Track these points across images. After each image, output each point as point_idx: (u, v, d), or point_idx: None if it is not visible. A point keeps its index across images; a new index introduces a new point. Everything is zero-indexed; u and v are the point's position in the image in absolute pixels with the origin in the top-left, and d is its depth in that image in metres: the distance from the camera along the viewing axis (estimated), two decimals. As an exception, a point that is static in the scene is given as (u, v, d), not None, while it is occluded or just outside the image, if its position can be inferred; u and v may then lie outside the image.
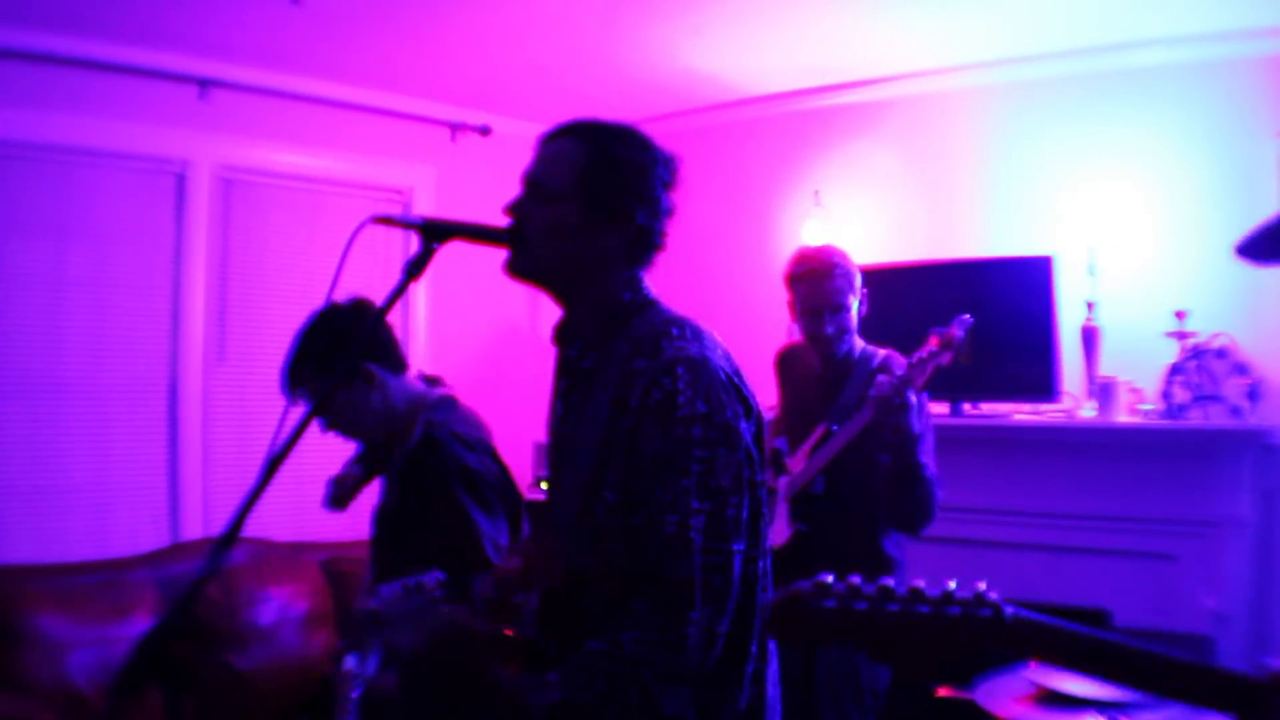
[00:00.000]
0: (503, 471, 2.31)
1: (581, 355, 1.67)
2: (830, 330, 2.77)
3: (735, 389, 1.56)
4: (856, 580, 0.94)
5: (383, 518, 2.37)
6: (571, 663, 1.47)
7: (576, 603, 1.57)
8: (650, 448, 1.49)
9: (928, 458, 2.71)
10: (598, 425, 1.56)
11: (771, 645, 1.62)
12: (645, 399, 1.51)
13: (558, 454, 1.70)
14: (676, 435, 1.48)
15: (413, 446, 2.27)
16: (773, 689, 1.62)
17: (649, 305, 1.65)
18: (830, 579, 0.95)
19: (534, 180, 1.64)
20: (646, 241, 1.65)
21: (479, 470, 2.23)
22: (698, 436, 1.49)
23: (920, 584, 0.94)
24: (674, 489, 1.47)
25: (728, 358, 1.61)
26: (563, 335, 1.73)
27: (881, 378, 2.60)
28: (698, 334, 1.59)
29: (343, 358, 2.22)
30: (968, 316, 2.66)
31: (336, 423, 2.36)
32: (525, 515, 2.38)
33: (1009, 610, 0.92)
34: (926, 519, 2.71)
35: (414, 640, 1.58)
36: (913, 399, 2.55)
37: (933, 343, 2.61)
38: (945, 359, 2.61)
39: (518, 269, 1.64)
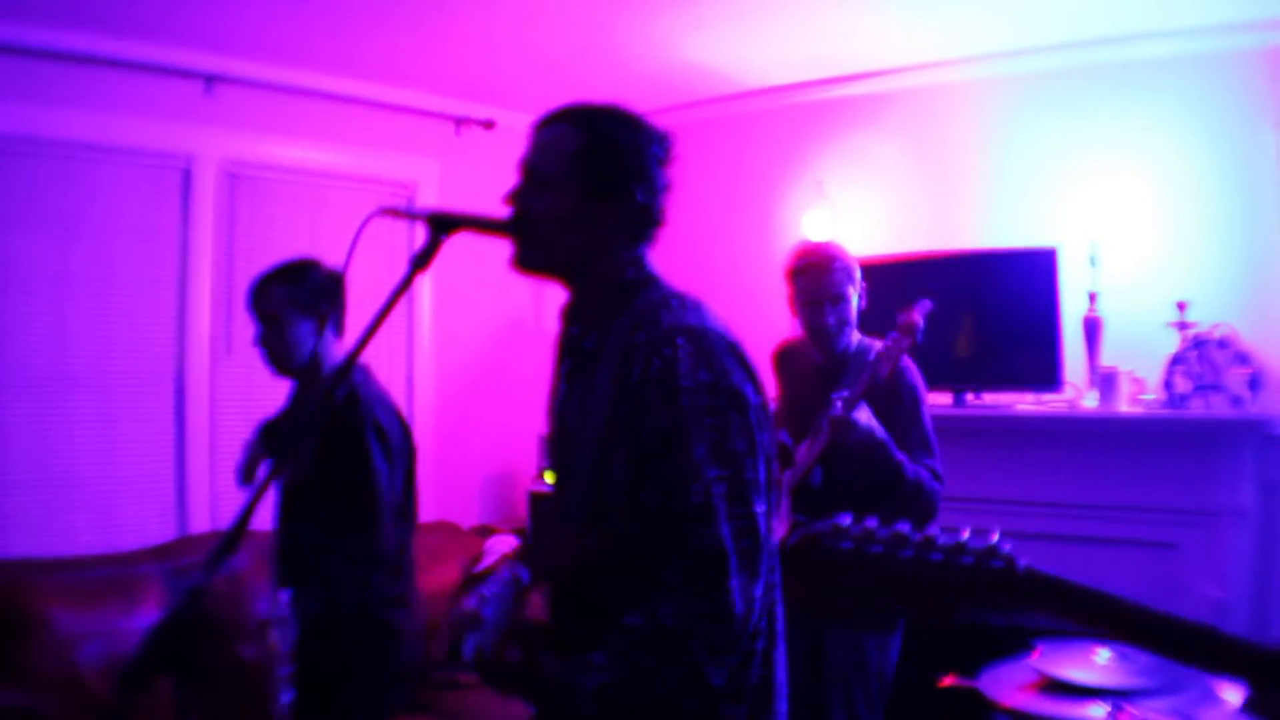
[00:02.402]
0: (405, 433, 2.64)
1: (584, 334, 1.67)
2: (831, 321, 2.79)
3: (738, 356, 1.56)
4: (872, 524, 0.95)
5: (292, 486, 2.61)
6: (615, 641, 1.45)
7: (590, 585, 1.57)
8: (657, 420, 1.49)
9: (922, 447, 2.73)
10: (603, 401, 1.56)
11: (780, 628, 1.63)
12: (646, 370, 1.50)
13: (563, 435, 1.70)
14: (682, 405, 1.48)
15: (339, 401, 2.54)
16: (780, 672, 1.63)
17: (651, 282, 1.65)
18: (847, 521, 0.96)
19: (531, 168, 1.65)
20: (647, 219, 1.65)
21: (387, 427, 2.54)
22: (704, 405, 1.48)
23: (934, 532, 0.94)
24: (690, 460, 1.46)
25: (728, 329, 1.60)
26: (570, 315, 1.73)
27: (837, 405, 2.63)
28: (697, 305, 1.60)
29: (303, 290, 2.59)
30: (928, 301, 2.71)
31: (271, 346, 2.63)
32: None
33: (1022, 563, 0.92)
34: (924, 517, 2.71)
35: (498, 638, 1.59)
36: (861, 417, 2.61)
37: (896, 332, 2.66)
38: (906, 344, 2.66)
39: (526, 263, 1.64)
